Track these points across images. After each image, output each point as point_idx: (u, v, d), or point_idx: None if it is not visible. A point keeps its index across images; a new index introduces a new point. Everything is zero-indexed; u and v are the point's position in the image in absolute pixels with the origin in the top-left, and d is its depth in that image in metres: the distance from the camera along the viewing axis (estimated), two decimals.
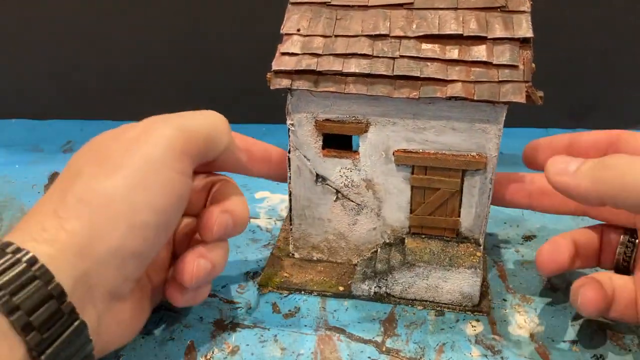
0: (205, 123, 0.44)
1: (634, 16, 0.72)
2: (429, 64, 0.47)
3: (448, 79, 0.46)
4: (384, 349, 0.49)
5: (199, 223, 0.46)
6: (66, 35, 0.79)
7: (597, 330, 0.51)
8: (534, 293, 0.55)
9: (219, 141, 0.45)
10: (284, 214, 0.66)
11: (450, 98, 0.46)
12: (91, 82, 0.80)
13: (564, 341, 0.50)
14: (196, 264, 0.44)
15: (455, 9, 0.49)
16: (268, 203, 0.69)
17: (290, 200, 0.55)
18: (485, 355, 0.49)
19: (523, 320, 0.52)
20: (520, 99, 0.45)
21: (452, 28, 0.48)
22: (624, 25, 0.73)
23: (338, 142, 0.53)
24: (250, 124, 0.83)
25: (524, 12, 0.48)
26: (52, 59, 0.81)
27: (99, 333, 0.39)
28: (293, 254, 0.57)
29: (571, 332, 0.51)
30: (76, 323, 0.36)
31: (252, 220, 0.65)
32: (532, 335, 0.50)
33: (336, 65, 0.48)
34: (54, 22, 0.78)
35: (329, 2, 0.51)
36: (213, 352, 0.49)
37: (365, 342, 0.49)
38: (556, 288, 0.55)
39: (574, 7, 0.72)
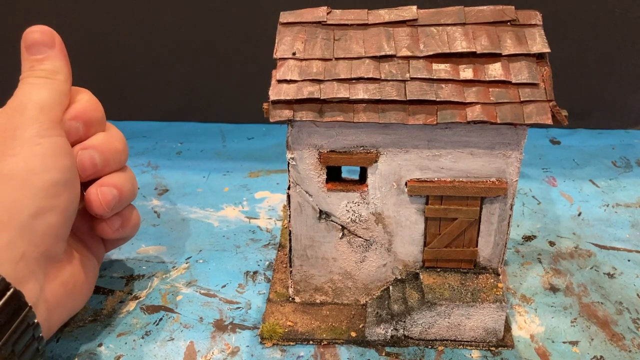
0: (52, 91, 0.46)
1: (634, 16, 0.72)
2: (443, 85, 0.43)
3: (466, 101, 0.42)
4: (384, 353, 0.48)
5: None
6: (66, 35, 0.78)
7: (597, 330, 0.50)
8: (534, 293, 0.54)
9: (65, 101, 0.47)
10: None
11: (470, 122, 0.42)
12: (91, 82, 0.80)
13: (564, 342, 0.49)
14: (99, 191, 0.47)
15: (463, 24, 0.45)
16: (268, 203, 0.67)
17: (290, 240, 0.49)
18: (486, 357, 0.47)
19: (523, 320, 0.51)
20: (547, 119, 0.42)
21: (463, 46, 0.44)
22: (624, 25, 0.73)
23: (335, 173, 0.49)
24: (250, 124, 0.83)
25: (535, 25, 0.45)
26: None
27: (45, 298, 0.42)
28: (293, 298, 0.52)
29: (571, 333, 0.50)
30: (9, 292, 0.38)
31: (252, 220, 0.65)
32: (532, 336, 0.50)
33: (342, 91, 0.43)
34: (53, 22, 0.78)
35: (324, 22, 0.46)
36: (213, 353, 0.48)
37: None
38: (556, 288, 0.55)
39: (574, 7, 0.72)
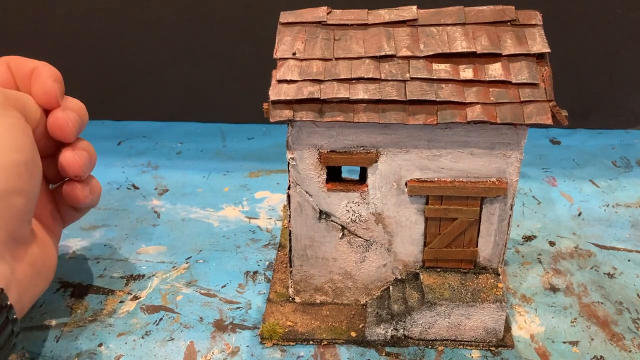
0: (20, 94, 0.47)
1: (634, 16, 0.72)
2: (443, 85, 0.43)
3: (466, 101, 0.42)
4: (384, 353, 0.48)
5: (53, 129, 0.48)
6: (66, 35, 0.79)
7: (597, 330, 0.50)
8: (534, 293, 0.54)
9: (31, 112, 0.47)
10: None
11: (470, 122, 0.42)
12: (92, 82, 0.82)
13: (564, 342, 0.49)
14: (75, 154, 0.49)
15: (463, 24, 0.45)
16: (268, 203, 0.67)
17: (290, 240, 0.49)
18: (486, 357, 0.48)
19: (523, 320, 0.51)
20: (547, 119, 0.42)
21: (463, 46, 0.44)
22: (624, 25, 0.73)
23: (335, 173, 0.49)
24: (250, 124, 0.83)
25: (535, 25, 0.45)
26: (52, 59, 0.79)
27: (17, 280, 0.42)
28: (293, 298, 0.52)
29: (571, 333, 0.50)
30: None
31: (252, 220, 0.65)
32: (532, 336, 0.50)
33: (342, 91, 0.43)
34: (53, 22, 0.78)
35: (324, 22, 0.46)
36: (213, 353, 0.48)
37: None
38: (556, 288, 0.55)
39: (574, 7, 0.72)
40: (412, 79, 0.43)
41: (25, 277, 0.44)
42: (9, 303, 0.40)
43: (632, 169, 0.72)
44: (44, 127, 0.48)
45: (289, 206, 0.48)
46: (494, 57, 0.44)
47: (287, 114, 0.43)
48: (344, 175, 0.50)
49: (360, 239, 0.49)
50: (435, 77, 0.43)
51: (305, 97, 0.43)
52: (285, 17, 0.47)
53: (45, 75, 0.48)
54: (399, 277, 0.50)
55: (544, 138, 0.79)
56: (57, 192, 0.52)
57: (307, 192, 0.47)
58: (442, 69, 0.43)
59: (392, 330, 0.48)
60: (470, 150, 0.44)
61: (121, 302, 0.54)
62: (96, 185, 0.53)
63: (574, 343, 0.49)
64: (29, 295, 0.45)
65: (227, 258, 0.59)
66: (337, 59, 0.44)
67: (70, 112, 0.49)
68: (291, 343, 0.49)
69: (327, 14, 0.46)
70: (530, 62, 0.44)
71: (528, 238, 0.61)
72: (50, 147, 0.50)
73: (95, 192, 0.52)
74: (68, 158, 0.49)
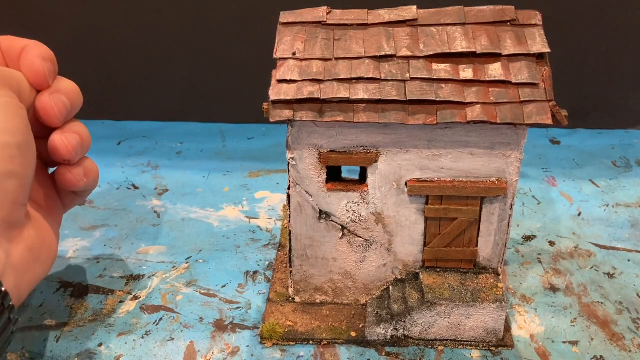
0: (14, 72, 0.46)
1: (634, 16, 0.72)
2: (443, 85, 0.43)
3: (466, 101, 0.42)
4: (384, 353, 0.48)
5: (39, 113, 0.47)
6: (66, 35, 0.79)
7: (597, 330, 0.50)
8: (534, 293, 0.54)
9: (25, 92, 0.46)
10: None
11: (470, 122, 0.42)
12: (92, 82, 0.81)
13: (564, 342, 0.49)
14: (64, 137, 0.47)
15: (463, 24, 0.45)
16: (268, 203, 0.67)
17: (290, 240, 0.49)
18: (486, 357, 0.48)
19: (523, 320, 0.51)
20: (547, 119, 0.42)
21: (463, 45, 0.44)
22: (624, 25, 0.73)
23: (335, 173, 0.49)
24: (250, 124, 0.83)
25: (535, 25, 0.45)
26: None
27: (13, 265, 0.41)
28: (293, 298, 0.52)
29: (571, 333, 0.50)
30: None
31: (252, 220, 0.65)
32: (532, 336, 0.50)
33: (342, 91, 0.43)
34: (53, 22, 0.78)
35: (324, 22, 0.46)
36: (213, 353, 0.48)
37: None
38: (556, 288, 0.55)
39: (574, 7, 0.72)
40: (412, 79, 0.43)
41: (22, 262, 0.42)
42: (3, 289, 0.39)
43: (632, 169, 0.72)
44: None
45: (289, 206, 0.48)
46: (494, 57, 0.44)
47: (287, 114, 0.43)
48: (344, 175, 0.50)
49: (360, 238, 0.49)
50: (435, 77, 0.43)
51: (305, 97, 0.43)
52: (285, 17, 0.47)
53: (33, 54, 0.46)
54: (399, 277, 0.50)
55: (544, 138, 0.79)
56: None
57: (307, 192, 0.47)
58: (442, 69, 0.43)
59: (392, 330, 0.48)
60: (470, 150, 0.44)
61: (121, 302, 0.54)
62: (91, 167, 0.50)
63: (574, 343, 0.49)
64: (27, 281, 0.43)
65: (227, 258, 0.59)
66: (337, 59, 0.44)
67: (58, 96, 0.47)
68: (291, 343, 0.49)
69: (327, 14, 0.46)
70: (530, 62, 0.44)
71: (528, 238, 0.61)
72: (44, 128, 0.48)
73: (90, 174, 0.50)
74: (56, 142, 0.47)
